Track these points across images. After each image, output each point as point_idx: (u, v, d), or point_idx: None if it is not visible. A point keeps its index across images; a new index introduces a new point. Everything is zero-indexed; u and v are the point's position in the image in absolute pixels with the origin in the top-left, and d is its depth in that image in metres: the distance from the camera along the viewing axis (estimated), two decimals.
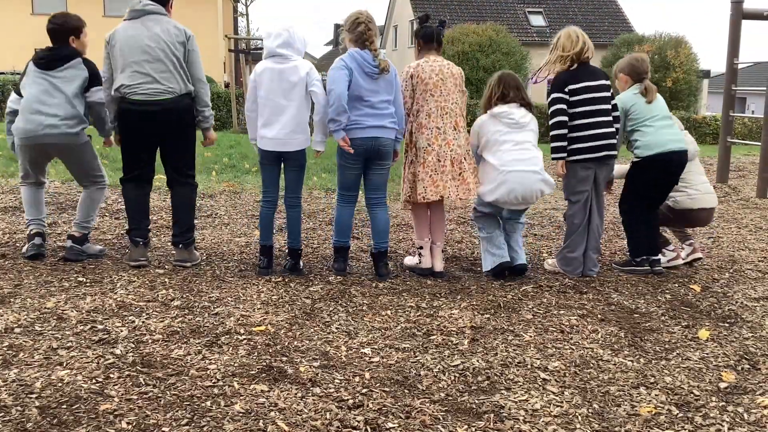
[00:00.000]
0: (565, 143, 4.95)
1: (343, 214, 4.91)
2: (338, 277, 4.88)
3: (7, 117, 5.07)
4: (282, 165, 4.88)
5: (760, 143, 9.83)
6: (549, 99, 5.00)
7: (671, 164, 5.07)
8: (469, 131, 5.02)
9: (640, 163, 5.14)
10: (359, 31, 4.67)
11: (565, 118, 4.93)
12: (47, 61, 4.79)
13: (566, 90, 4.93)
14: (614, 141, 5.03)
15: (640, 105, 5.10)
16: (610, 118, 5.01)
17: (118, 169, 8.53)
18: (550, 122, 4.97)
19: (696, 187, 5.32)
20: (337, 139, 4.69)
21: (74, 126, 4.80)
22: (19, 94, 4.91)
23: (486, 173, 4.93)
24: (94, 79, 4.84)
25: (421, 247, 5.04)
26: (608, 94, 5.02)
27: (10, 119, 5.02)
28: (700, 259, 5.56)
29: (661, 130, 5.07)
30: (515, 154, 4.83)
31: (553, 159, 5.03)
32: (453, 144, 4.85)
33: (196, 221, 6.20)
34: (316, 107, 4.73)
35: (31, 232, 5.00)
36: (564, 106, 4.93)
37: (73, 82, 4.79)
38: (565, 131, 4.94)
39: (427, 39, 4.99)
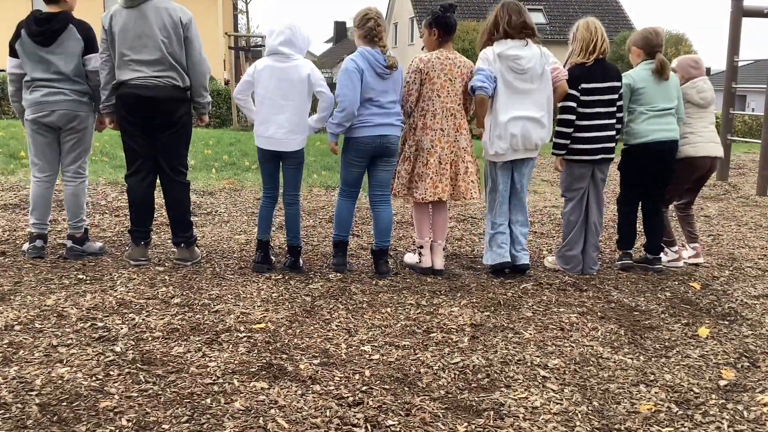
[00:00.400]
0: (568, 141, 4.95)
1: (343, 209, 4.92)
2: (338, 274, 4.88)
3: (11, 85, 4.93)
4: (281, 162, 4.88)
5: (760, 141, 9.83)
6: None
7: (663, 153, 5.05)
8: (470, 123, 4.99)
9: (629, 150, 5.14)
10: (368, 27, 4.66)
11: (573, 117, 4.90)
12: (43, 37, 4.73)
13: (579, 88, 4.89)
14: (613, 144, 5.02)
15: (649, 88, 5.03)
16: (613, 121, 4.98)
17: (118, 166, 8.56)
18: (558, 117, 4.95)
19: (700, 134, 5.27)
20: (330, 141, 4.80)
21: (82, 96, 4.86)
22: (13, 56, 4.84)
23: (488, 128, 4.87)
24: (89, 47, 4.82)
25: (421, 246, 5.04)
26: (616, 96, 4.96)
27: (17, 86, 4.89)
28: (700, 263, 5.55)
29: (654, 119, 5.02)
30: (516, 104, 4.75)
31: (553, 154, 5.03)
32: (454, 147, 4.84)
33: (195, 218, 6.21)
34: (321, 104, 4.74)
35: (33, 234, 4.99)
36: (574, 105, 4.89)
37: (71, 58, 4.77)
38: (570, 130, 4.91)
39: (449, 30, 4.84)
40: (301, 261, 5.01)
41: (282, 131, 4.70)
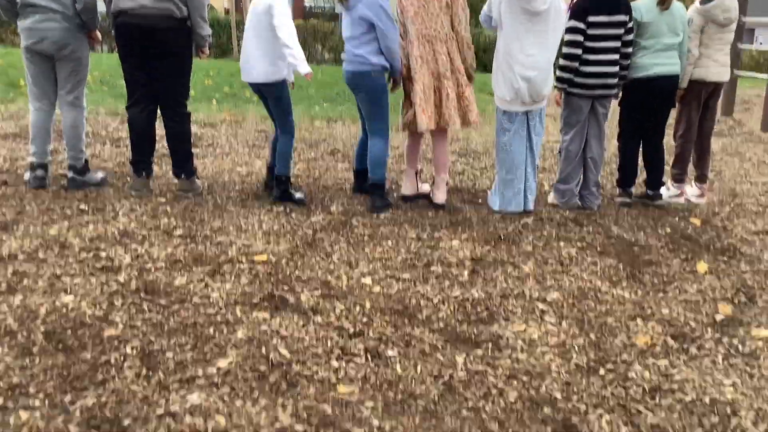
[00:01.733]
0: (572, 76, 4.87)
1: (359, 144, 5.20)
2: (339, 207, 4.88)
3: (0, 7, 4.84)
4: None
5: (766, 76, 9.71)
6: (567, 25, 4.83)
7: (663, 88, 5.00)
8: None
9: (627, 85, 5.08)
10: None
11: (579, 51, 4.80)
12: None
13: (587, 21, 4.78)
14: (613, 81, 4.91)
15: (656, 21, 4.91)
16: (617, 57, 4.88)
17: (119, 95, 8.48)
18: (563, 51, 4.86)
19: (714, 57, 5.23)
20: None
21: (77, 26, 4.79)
22: None
23: (496, 69, 4.87)
24: None
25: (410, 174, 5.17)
26: (621, 30, 4.84)
27: (8, 3, 4.78)
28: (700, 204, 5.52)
29: (656, 53, 4.95)
30: (528, 50, 4.69)
31: (555, 87, 4.96)
32: (435, 73, 4.80)
33: (197, 150, 6.19)
34: (280, 41, 4.60)
35: (34, 163, 4.98)
36: (581, 39, 4.79)
37: None
38: (575, 64, 4.82)
39: None
40: (294, 193, 4.97)
41: (248, 62, 4.77)
